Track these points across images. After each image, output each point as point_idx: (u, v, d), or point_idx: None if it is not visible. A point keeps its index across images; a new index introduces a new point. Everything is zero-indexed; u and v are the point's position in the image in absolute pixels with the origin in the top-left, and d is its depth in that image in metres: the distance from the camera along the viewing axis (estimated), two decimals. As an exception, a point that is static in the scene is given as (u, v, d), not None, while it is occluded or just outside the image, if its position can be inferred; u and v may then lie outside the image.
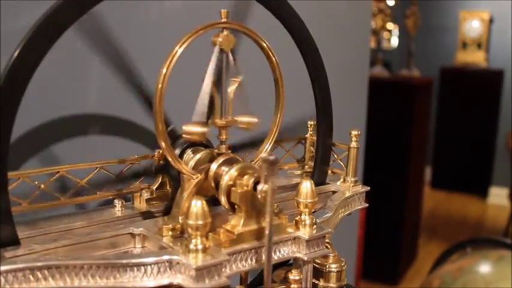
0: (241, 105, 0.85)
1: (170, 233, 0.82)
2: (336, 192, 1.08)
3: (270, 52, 0.87)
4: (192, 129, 0.81)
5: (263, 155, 0.77)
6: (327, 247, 0.89)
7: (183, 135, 0.82)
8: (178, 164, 0.82)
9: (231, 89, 0.85)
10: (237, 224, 0.81)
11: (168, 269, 0.74)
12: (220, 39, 0.82)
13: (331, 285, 1.05)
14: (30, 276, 0.70)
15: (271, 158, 0.73)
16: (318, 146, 1.07)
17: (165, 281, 0.75)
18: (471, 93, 6.14)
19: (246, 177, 0.80)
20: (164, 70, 0.77)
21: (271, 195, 0.75)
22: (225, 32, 0.82)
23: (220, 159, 0.84)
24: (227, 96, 0.85)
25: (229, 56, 0.83)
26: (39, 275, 0.71)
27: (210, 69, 0.81)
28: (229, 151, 0.87)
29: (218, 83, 0.84)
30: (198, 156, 0.87)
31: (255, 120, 0.87)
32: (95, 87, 1.11)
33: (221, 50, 0.82)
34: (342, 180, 1.11)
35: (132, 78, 1.07)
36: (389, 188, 3.88)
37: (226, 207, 0.83)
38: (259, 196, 0.78)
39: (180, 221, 0.83)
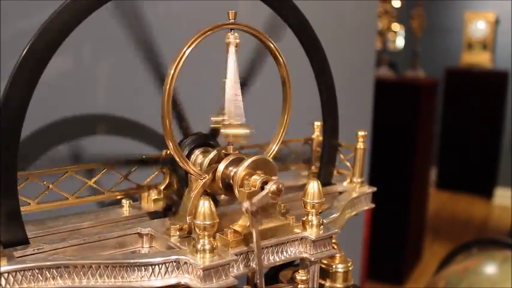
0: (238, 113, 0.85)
1: (178, 233, 0.82)
2: (343, 192, 1.08)
3: (278, 53, 0.87)
4: (237, 131, 0.81)
5: (245, 204, 0.77)
6: (333, 247, 0.89)
7: (227, 139, 0.83)
8: (185, 164, 0.83)
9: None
10: (245, 224, 0.82)
11: (175, 269, 0.75)
12: (236, 40, 0.82)
13: (338, 285, 1.05)
14: (39, 276, 0.71)
15: (253, 208, 0.76)
16: (324, 147, 1.08)
17: (173, 281, 0.75)
18: (476, 94, 6.12)
19: (253, 177, 0.81)
20: (172, 71, 0.77)
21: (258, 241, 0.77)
22: (235, 33, 0.82)
23: (228, 160, 0.85)
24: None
25: (229, 57, 0.83)
26: (48, 274, 0.71)
27: (232, 69, 0.81)
28: (237, 152, 0.87)
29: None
30: (205, 156, 0.88)
31: (247, 131, 0.86)
32: (102, 88, 1.11)
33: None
34: (348, 180, 1.12)
35: (139, 79, 1.08)
36: (395, 189, 3.87)
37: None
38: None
39: (188, 221, 0.83)
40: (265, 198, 0.79)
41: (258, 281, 0.78)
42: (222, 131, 0.84)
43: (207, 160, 0.87)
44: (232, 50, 0.82)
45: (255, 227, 0.77)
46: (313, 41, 0.99)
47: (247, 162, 0.82)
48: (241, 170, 0.81)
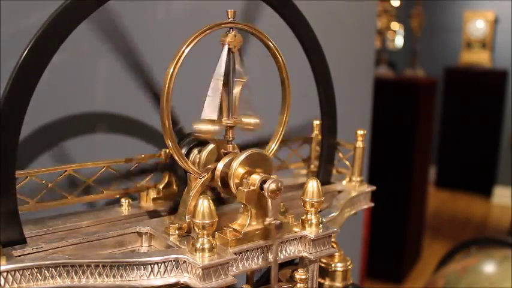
0: (245, 106, 0.86)
1: (177, 232, 0.82)
2: (342, 191, 1.08)
3: (277, 52, 0.87)
4: (204, 127, 0.81)
5: (269, 219, 0.79)
6: (332, 246, 0.90)
7: (195, 134, 0.83)
8: (185, 163, 0.83)
9: (238, 89, 0.85)
10: (244, 223, 0.82)
11: (174, 268, 0.75)
12: (229, 39, 0.82)
13: (337, 284, 1.05)
14: (38, 275, 0.71)
15: (277, 222, 0.78)
16: (323, 146, 1.08)
17: (172, 280, 0.75)
18: (475, 93, 6.12)
19: (252, 176, 0.81)
20: (171, 70, 0.77)
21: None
22: (233, 32, 0.82)
23: (227, 159, 0.85)
24: (234, 97, 0.85)
25: (236, 56, 0.83)
26: (47, 274, 0.71)
27: (219, 69, 0.81)
28: (236, 150, 0.87)
29: (227, 82, 0.84)
30: (204, 155, 0.88)
31: (257, 121, 0.87)
32: (102, 86, 1.11)
33: (229, 50, 0.82)
34: (347, 179, 1.12)
35: (139, 78, 1.08)
36: (394, 188, 3.88)
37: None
38: (265, 195, 0.79)
39: (187, 220, 0.83)
40: (276, 203, 0.79)
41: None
42: (194, 127, 0.83)
43: (204, 153, 0.87)
44: (225, 48, 0.82)
45: (276, 243, 0.79)
46: (312, 40, 0.99)
47: (243, 156, 0.82)
48: (236, 165, 0.82)
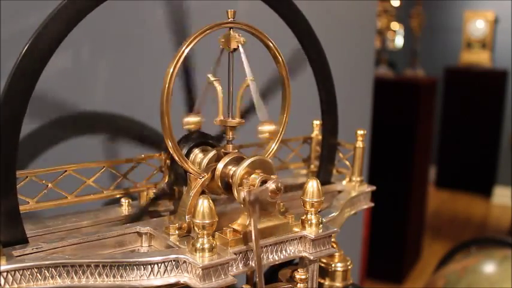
0: (259, 112, 0.85)
1: (177, 232, 0.82)
2: (342, 191, 1.08)
3: (277, 52, 0.87)
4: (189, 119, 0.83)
5: (243, 194, 0.78)
6: (332, 246, 0.89)
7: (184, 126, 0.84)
8: (185, 163, 0.83)
9: (241, 89, 0.85)
10: (244, 223, 0.82)
11: (174, 268, 0.75)
12: (226, 39, 0.82)
13: (337, 284, 1.05)
14: (38, 275, 0.71)
15: (252, 197, 0.76)
16: (324, 146, 1.08)
17: (172, 280, 0.75)
18: (475, 93, 6.13)
19: (252, 176, 0.81)
20: (171, 70, 0.77)
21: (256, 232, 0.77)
22: (232, 32, 0.82)
23: (227, 159, 0.85)
24: (236, 96, 0.85)
25: (242, 56, 0.83)
26: (47, 274, 0.71)
27: (213, 67, 0.82)
28: (236, 150, 0.87)
29: (228, 82, 0.84)
30: (205, 155, 0.88)
31: (274, 127, 0.87)
32: (102, 87, 1.11)
33: (228, 50, 0.82)
34: (347, 179, 1.11)
35: (139, 78, 1.08)
36: (394, 188, 3.88)
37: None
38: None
39: (187, 220, 0.83)
40: (265, 193, 0.79)
41: (257, 276, 0.78)
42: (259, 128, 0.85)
43: (205, 160, 0.87)
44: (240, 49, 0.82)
45: (253, 218, 0.77)
46: (312, 40, 0.99)
47: (247, 162, 0.82)
48: (240, 170, 0.81)
